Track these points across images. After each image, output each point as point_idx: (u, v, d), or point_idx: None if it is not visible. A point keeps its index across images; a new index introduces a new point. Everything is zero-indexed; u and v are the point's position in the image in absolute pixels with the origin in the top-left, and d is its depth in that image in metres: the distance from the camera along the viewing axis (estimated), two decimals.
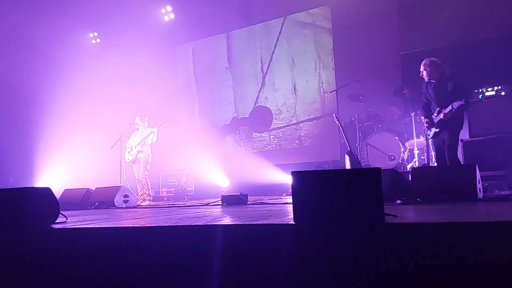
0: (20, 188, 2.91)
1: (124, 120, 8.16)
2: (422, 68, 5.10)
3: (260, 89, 9.90)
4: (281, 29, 9.72)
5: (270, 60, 9.80)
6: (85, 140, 9.83)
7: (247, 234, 2.11)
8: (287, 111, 9.50)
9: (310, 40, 9.32)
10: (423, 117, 5.37)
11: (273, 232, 2.07)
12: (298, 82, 9.42)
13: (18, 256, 2.54)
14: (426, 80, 5.13)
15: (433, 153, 5.44)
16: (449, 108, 4.78)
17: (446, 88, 4.99)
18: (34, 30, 9.81)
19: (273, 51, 9.79)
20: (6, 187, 9.03)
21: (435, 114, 5.08)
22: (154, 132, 7.42)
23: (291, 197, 2.20)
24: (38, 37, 10.00)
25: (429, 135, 5.25)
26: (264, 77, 9.87)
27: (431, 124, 5.10)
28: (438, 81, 5.06)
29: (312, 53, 9.28)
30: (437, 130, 5.02)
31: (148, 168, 7.46)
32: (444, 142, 5.03)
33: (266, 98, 9.82)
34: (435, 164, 5.33)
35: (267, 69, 9.84)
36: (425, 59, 5.13)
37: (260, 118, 9.87)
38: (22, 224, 2.68)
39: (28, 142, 10.25)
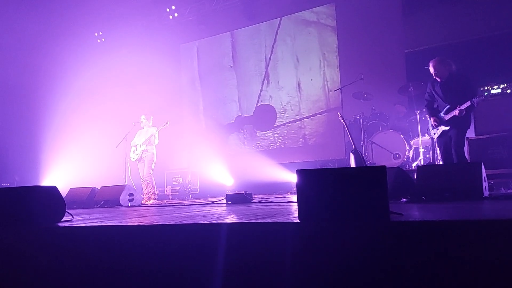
0: (26, 186, 2.93)
1: (129, 119, 8.19)
2: (431, 69, 5.08)
3: (265, 88, 9.90)
4: (284, 27, 9.71)
5: (270, 57, 9.79)
6: (91, 139, 9.88)
7: (252, 232, 2.11)
8: (292, 110, 9.49)
9: (315, 38, 9.30)
10: (428, 116, 5.34)
11: (278, 230, 2.07)
12: (303, 80, 9.41)
13: (25, 254, 2.56)
14: (439, 80, 5.09)
15: (438, 152, 5.43)
16: (467, 104, 4.78)
17: (455, 85, 4.99)
18: (39, 30, 9.86)
19: (273, 49, 9.79)
20: (12, 186, 9.10)
21: (443, 113, 5.06)
22: (154, 135, 7.41)
23: (295, 195, 2.20)
24: (43, 37, 10.07)
25: (435, 133, 5.22)
26: (268, 76, 9.86)
27: (439, 122, 5.08)
28: (447, 79, 5.04)
29: (317, 51, 9.26)
30: (447, 128, 5.00)
31: (153, 167, 7.47)
32: (451, 140, 5.02)
33: (270, 96, 9.82)
34: (441, 163, 5.31)
35: (271, 67, 9.83)
36: (433, 60, 5.10)
37: (264, 116, 9.87)
38: (29, 223, 2.70)
39: (34, 141, 10.32)
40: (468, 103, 4.78)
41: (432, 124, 5.20)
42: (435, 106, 5.28)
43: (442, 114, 5.08)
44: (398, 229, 1.84)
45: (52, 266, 2.46)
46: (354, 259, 1.83)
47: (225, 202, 5.25)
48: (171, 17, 10.54)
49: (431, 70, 5.09)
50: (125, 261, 2.28)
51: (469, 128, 5.02)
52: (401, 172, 4.12)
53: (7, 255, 2.61)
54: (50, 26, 9.96)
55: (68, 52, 10.70)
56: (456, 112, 4.84)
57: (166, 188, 9.68)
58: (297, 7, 9.44)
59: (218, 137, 10.10)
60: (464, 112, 4.83)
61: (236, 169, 9.17)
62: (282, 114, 9.61)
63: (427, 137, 6.58)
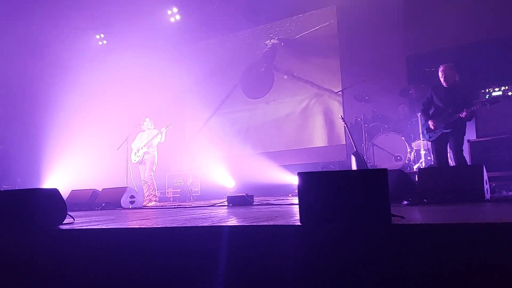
0: (27, 189, 2.92)
1: (131, 121, 8.20)
2: (441, 74, 5.17)
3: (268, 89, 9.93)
4: (285, 29, 9.72)
5: (272, 58, 9.81)
6: (92, 141, 9.89)
7: (253, 235, 2.11)
8: (293, 111, 9.50)
9: (316, 40, 9.30)
10: (425, 120, 5.36)
11: (279, 233, 2.06)
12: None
13: (26, 257, 2.56)
14: (445, 86, 5.15)
15: (432, 156, 5.49)
16: (475, 107, 4.91)
17: (459, 92, 5.11)
18: (41, 32, 9.89)
19: (275, 50, 9.82)
20: (13, 188, 9.11)
21: (445, 116, 5.09)
22: (162, 132, 7.47)
23: (297, 198, 2.20)
24: (45, 39, 10.09)
25: (431, 137, 5.25)
26: (270, 77, 9.87)
27: (438, 126, 5.11)
28: (452, 85, 5.13)
29: (318, 54, 9.25)
30: (448, 130, 5.04)
31: (154, 169, 7.49)
32: (449, 144, 5.13)
33: (273, 99, 9.83)
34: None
35: (272, 68, 9.85)
36: (444, 65, 5.21)
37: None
38: (30, 225, 2.70)
39: (35, 143, 10.34)
40: (476, 107, 4.89)
41: (431, 126, 5.21)
42: (430, 112, 5.35)
43: (443, 117, 5.12)
44: (399, 232, 1.84)
45: (53, 269, 2.46)
46: (355, 262, 1.83)
47: (226, 204, 5.25)
48: (172, 19, 10.57)
49: (440, 74, 5.17)
50: (126, 264, 2.28)
51: (464, 134, 5.10)
52: (403, 175, 4.12)
53: (9, 258, 2.61)
54: (51, 28, 9.98)
55: (69, 55, 10.71)
56: (463, 114, 4.89)
57: (167, 190, 9.68)
58: (298, 10, 9.45)
59: (219, 139, 10.10)
60: (469, 116, 4.89)
61: (237, 171, 9.17)
62: (284, 114, 9.61)
63: None
